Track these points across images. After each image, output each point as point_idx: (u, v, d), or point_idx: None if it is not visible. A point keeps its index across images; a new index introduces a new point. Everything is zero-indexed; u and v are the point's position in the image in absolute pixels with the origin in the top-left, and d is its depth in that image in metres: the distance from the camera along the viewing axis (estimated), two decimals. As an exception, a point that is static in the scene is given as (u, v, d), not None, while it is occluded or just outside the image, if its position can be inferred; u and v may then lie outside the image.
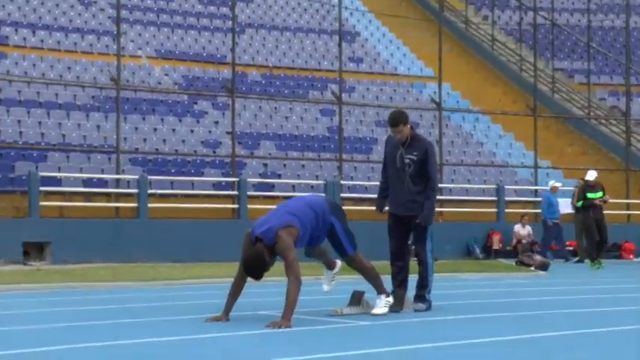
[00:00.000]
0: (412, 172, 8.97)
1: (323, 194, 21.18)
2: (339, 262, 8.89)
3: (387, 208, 9.33)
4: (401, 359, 5.55)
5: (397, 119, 8.96)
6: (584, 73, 33.02)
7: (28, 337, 6.71)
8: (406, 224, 9.13)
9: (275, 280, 8.96)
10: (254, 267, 7.79)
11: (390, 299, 8.76)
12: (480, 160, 27.85)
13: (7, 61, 25.92)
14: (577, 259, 20.91)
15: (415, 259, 9.28)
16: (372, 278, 8.73)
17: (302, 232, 8.00)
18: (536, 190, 25.72)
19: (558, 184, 21.99)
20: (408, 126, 9.01)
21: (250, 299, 8.97)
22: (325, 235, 8.35)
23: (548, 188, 22.22)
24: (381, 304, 8.67)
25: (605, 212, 19.47)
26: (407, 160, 8.98)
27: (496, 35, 36.34)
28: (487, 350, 6.07)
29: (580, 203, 19.45)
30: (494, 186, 24.26)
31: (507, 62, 35.50)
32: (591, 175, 19.27)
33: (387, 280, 9.21)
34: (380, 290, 8.72)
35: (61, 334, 6.95)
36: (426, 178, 9.02)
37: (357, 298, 8.78)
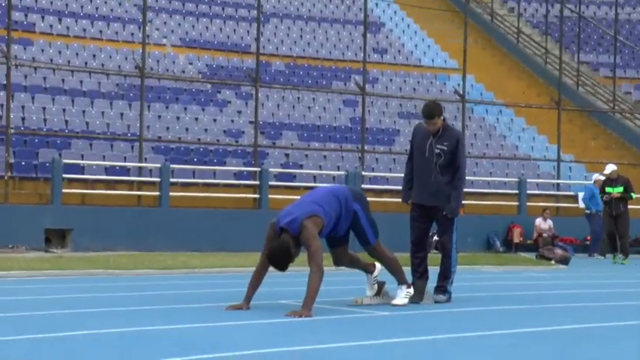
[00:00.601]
0: (442, 163, 8.93)
1: (345, 185, 21.19)
2: (378, 265, 8.85)
3: (410, 201, 9.28)
4: (420, 350, 5.55)
5: (433, 111, 8.89)
6: (610, 67, 32.77)
7: (50, 323, 6.77)
8: (430, 215, 9.11)
9: (297, 269, 8.97)
10: (279, 258, 7.79)
11: (411, 290, 8.76)
12: (503, 153, 27.74)
13: (32, 48, 26.07)
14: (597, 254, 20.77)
15: (435, 251, 9.26)
16: (394, 269, 8.73)
17: (327, 221, 8.01)
18: (558, 184, 25.59)
19: (602, 178, 21.78)
20: (442, 117, 8.98)
21: (271, 288, 8.99)
22: (348, 224, 8.34)
23: (591, 182, 21.82)
24: (402, 295, 8.67)
25: (630, 207, 19.31)
26: (437, 151, 8.92)
27: (522, 28, 36.14)
28: (506, 342, 6.06)
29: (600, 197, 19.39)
30: (516, 179, 24.16)
31: (532, 55, 35.31)
32: (608, 169, 19.11)
33: (407, 272, 9.21)
34: (401, 281, 8.72)
35: (82, 319, 7.00)
36: (454, 168, 8.97)
37: (377, 289, 8.79)
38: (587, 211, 20.80)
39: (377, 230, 8.49)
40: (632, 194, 18.88)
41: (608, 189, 18.91)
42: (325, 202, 8.06)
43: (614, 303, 9.57)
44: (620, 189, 18.81)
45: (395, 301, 8.64)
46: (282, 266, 7.86)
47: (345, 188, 8.51)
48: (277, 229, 7.92)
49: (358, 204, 8.32)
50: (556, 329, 6.99)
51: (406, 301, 8.67)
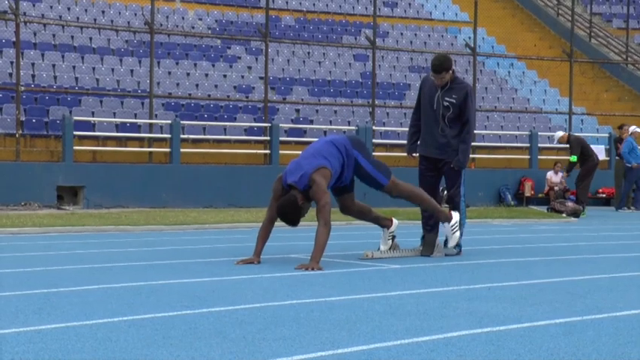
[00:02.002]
0: (451, 116, 8.87)
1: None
2: (395, 221, 8.86)
3: (415, 154, 9.26)
4: (430, 301, 5.58)
5: (441, 66, 8.77)
6: (623, 18, 32.48)
7: (63, 277, 6.82)
8: (438, 168, 9.09)
9: (307, 224, 8.99)
10: (289, 213, 7.79)
11: (455, 220, 8.76)
12: (514, 107, 27.63)
13: (41, 4, 25.99)
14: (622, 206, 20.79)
15: (447, 205, 9.27)
16: (427, 204, 8.64)
17: (333, 171, 8.01)
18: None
19: (639, 130, 21.75)
20: (451, 71, 8.90)
21: (281, 243, 9.03)
22: (352, 172, 8.29)
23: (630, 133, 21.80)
24: (450, 233, 8.70)
25: None
26: (446, 103, 8.86)
27: (533, -21, 35.79)
28: (516, 293, 6.08)
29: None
30: (527, 132, 24.08)
31: (544, 7, 34.99)
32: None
33: (417, 227, 9.22)
34: (441, 217, 8.71)
35: (94, 274, 7.05)
36: (462, 121, 8.92)
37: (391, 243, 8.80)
38: (628, 165, 20.70)
39: (387, 170, 8.41)
40: None
41: None
42: (328, 154, 8.03)
43: (623, 254, 9.58)
44: None
45: (451, 244, 8.71)
46: (292, 221, 7.88)
47: (342, 137, 8.41)
48: (285, 185, 7.91)
49: (356, 150, 8.26)
50: (565, 280, 7.01)
51: (458, 234, 8.70)
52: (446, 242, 8.95)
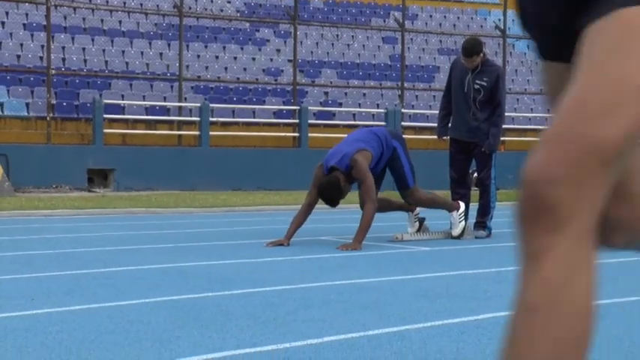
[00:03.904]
0: (482, 99, 8.85)
1: (384, 123, 21.12)
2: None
3: (445, 137, 9.25)
4: (460, 283, 5.56)
5: (472, 49, 8.75)
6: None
7: (93, 259, 6.87)
8: (469, 151, 9.06)
9: (341, 207, 9.00)
10: (330, 193, 7.87)
11: (462, 209, 8.74)
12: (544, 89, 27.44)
13: (70, -12, 26.08)
14: None
15: (476, 188, 9.24)
16: (436, 204, 8.70)
17: (374, 154, 8.08)
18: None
19: None
20: (482, 54, 8.86)
21: (310, 225, 9.02)
22: (385, 162, 8.32)
23: None
24: (457, 221, 8.70)
25: None
26: (477, 86, 8.84)
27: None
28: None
29: None
30: (558, 115, 23.90)
31: (575, -12, 34.69)
32: None
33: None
34: (449, 208, 8.72)
35: (124, 256, 7.10)
36: (493, 104, 8.90)
37: (419, 226, 8.81)
38: None
39: (415, 176, 8.47)
40: None
41: None
42: (368, 139, 8.16)
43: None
44: None
45: (454, 232, 8.69)
46: (333, 202, 7.95)
47: (383, 128, 8.62)
48: (325, 169, 7.96)
49: (397, 142, 8.34)
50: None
51: (463, 223, 8.69)
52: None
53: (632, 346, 3.73)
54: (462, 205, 8.79)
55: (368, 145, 8.06)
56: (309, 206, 8.06)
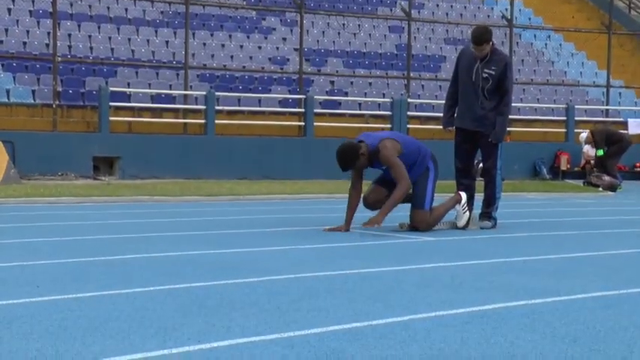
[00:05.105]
0: (490, 88, 8.83)
1: (389, 112, 21.06)
2: (463, 194, 8.91)
3: (450, 128, 9.22)
4: (465, 273, 5.56)
5: (482, 37, 8.72)
6: (662, -10, 31.98)
7: (98, 246, 6.88)
8: (474, 141, 9.04)
9: (340, 197, 9.00)
10: (344, 154, 7.98)
11: (464, 200, 8.74)
12: (551, 79, 27.36)
13: (77, -24, 26.04)
14: None
15: (482, 178, 9.22)
16: (442, 215, 8.67)
17: (405, 152, 8.11)
18: (607, 110, 25.22)
19: None
20: (491, 43, 8.84)
21: (314, 215, 9.04)
22: (415, 178, 8.30)
23: None
24: (461, 212, 8.70)
25: None
26: (485, 75, 8.81)
27: (571, -50, 35.30)
28: (551, 267, 6.05)
29: None
30: (564, 105, 23.86)
31: (582, -22, 34.54)
32: None
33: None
34: (453, 205, 8.71)
35: (129, 244, 7.11)
36: (500, 93, 8.88)
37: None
38: None
39: (432, 204, 8.45)
40: None
41: None
42: (409, 143, 8.32)
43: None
44: None
45: (459, 223, 8.69)
46: (344, 164, 8.04)
47: (428, 148, 8.62)
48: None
49: (433, 164, 8.41)
50: (602, 254, 6.96)
51: (468, 214, 8.69)
52: (480, 215, 8.93)
53: (637, 336, 3.73)
54: (463, 195, 8.76)
55: (404, 146, 8.19)
56: (355, 187, 8.19)
